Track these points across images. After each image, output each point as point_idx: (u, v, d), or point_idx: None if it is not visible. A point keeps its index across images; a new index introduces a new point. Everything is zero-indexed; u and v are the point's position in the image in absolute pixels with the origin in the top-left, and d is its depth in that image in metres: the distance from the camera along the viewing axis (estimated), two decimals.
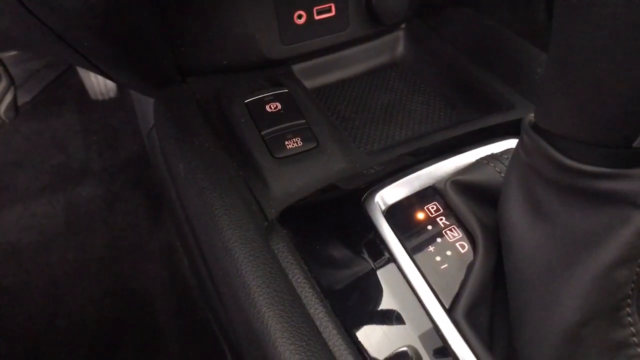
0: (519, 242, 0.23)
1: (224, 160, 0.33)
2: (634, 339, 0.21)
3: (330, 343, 0.27)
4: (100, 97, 0.83)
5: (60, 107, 0.89)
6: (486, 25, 0.46)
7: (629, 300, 0.21)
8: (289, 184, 0.33)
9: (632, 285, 0.20)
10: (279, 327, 0.26)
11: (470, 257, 0.26)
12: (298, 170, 0.33)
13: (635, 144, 0.17)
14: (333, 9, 0.42)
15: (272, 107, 0.36)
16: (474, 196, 0.27)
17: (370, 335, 0.27)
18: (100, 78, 0.84)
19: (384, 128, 0.41)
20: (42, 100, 0.90)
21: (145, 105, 0.50)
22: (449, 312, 0.24)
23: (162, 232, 0.78)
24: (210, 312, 0.49)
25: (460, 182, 0.27)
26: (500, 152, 0.28)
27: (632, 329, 0.21)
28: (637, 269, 0.20)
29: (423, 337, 0.26)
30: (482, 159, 0.28)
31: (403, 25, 0.49)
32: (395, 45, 0.49)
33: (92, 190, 0.85)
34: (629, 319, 0.21)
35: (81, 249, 0.79)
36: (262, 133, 0.35)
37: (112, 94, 0.83)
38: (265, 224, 0.31)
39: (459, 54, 0.45)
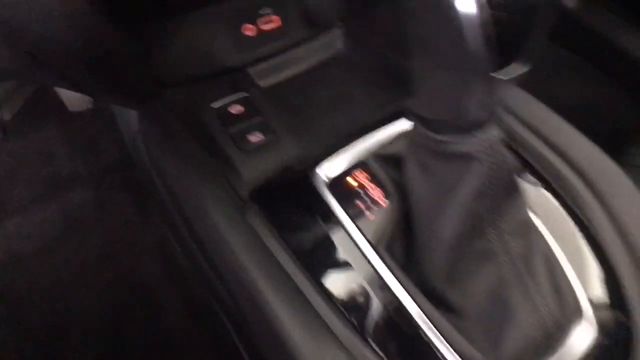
0: (417, 192, 0.32)
1: (203, 158, 0.42)
2: (495, 247, 0.31)
3: (300, 286, 0.36)
4: (78, 109, 0.90)
5: (42, 122, 0.96)
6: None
7: (487, 219, 0.31)
8: (256, 171, 0.42)
9: (485, 206, 0.30)
10: (262, 278, 0.35)
11: (389, 208, 0.35)
12: (262, 159, 0.42)
13: (458, 123, 0.26)
14: (277, 20, 0.50)
15: (235, 110, 0.45)
16: (391, 164, 0.36)
17: (331, 281, 0.36)
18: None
19: (330, 116, 0.50)
20: (24, 116, 0.96)
21: (126, 114, 0.58)
22: (376, 248, 0.34)
23: (154, 226, 0.86)
24: (207, 288, 0.58)
25: (380, 154, 0.37)
26: (408, 128, 0.37)
27: (493, 241, 0.31)
28: (486, 200, 0.29)
29: (367, 277, 0.35)
30: (396, 135, 0.37)
31: (340, 24, 0.57)
32: (335, 42, 0.57)
33: (82, 195, 0.93)
34: (492, 232, 0.31)
35: (81, 249, 0.87)
36: (230, 132, 0.43)
37: (89, 105, 0.90)
38: (241, 204, 0.40)
39: (389, 45, 0.53)
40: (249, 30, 0.49)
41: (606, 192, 0.37)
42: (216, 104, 0.45)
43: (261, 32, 0.49)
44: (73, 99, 0.88)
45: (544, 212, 0.36)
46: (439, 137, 0.29)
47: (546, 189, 0.38)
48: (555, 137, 0.39)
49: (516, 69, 0.24)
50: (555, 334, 0.31)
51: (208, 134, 0.44)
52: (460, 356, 0.31)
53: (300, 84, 0.54)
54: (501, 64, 0.23)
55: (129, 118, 0.57)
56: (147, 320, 0.78)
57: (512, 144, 0.41)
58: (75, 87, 0.44)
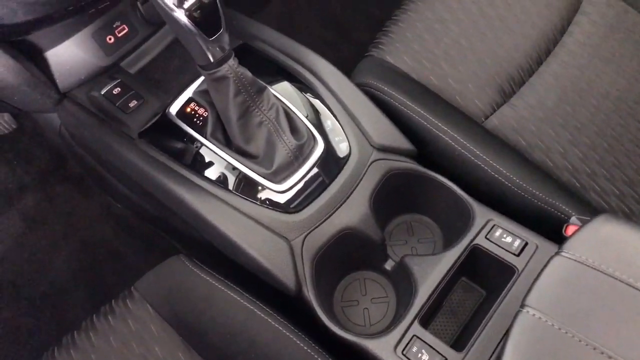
0: (215, 101, 0.62)
1: (104, 123, 0.70)
2: (263, 118, 0.62)
3: (180, 171, 0.65)
4: (6, 132, 1.13)
5: None
6: None
7: (252, 105, 0.61)
8: (137, 121, 0.70)
9: (248, 100, 0.60)
10: (157, 173, 0.64)
11: (209, 115, 0.65)
12: (139, 114, 0.70)
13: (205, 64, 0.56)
14: (126, 27, 0.77)
15: (116, 91, 0.73)
16: (204, 93, 0.66)
17: (192, 163, 0.66)
18: None
19: (179, 77, 0.77)
20: None
21: (48, 119, 0.83)
22: (207, 137, 0.65)
23: (96, 198, 1.13)
24: (135, 201, 0.86)
25: (199, 90, 0.67)
26: None
27: (260, 115, 0.62)
28: (242, 97, 0.60)
29: (212, 156, 0.66)
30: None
31: None
32: None
33: (34, 198, 1.16)
34: (258, 111, 0.62)
35: (46, 235, 1.12)
36: (116, 105, 0.71)
37: (14, 125, 1.13)
38: (133, 141, 0.69)
39: None
40: (110, 39, 0.76)
41: (324, 76, 0.70)
42: (103, 91, 0.73)
43: (118, 39, 0.76)
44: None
45: (288, 93, 0.69)
46: (208, 72, 0.58)
47: (289, 82, 0.70)
48: (292, 52, 0.71)
49: (223, 35, 0.54)
50: (300, 152, 0.63)
51: (104, 109, 0.72)
52: (257, 173, 0.62)
53: (158, 63, 0.81)
54: (212, 34, 0.53)
55: (51, 120, 0.82)
56: (115, 262, 1.07)
57: (273, 60, 0.72)
58: (3, 108, 0.70)
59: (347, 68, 0.82)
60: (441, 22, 0.80)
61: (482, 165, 0.67)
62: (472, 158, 0.68)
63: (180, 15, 0.50)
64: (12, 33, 0.65)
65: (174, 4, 0.50)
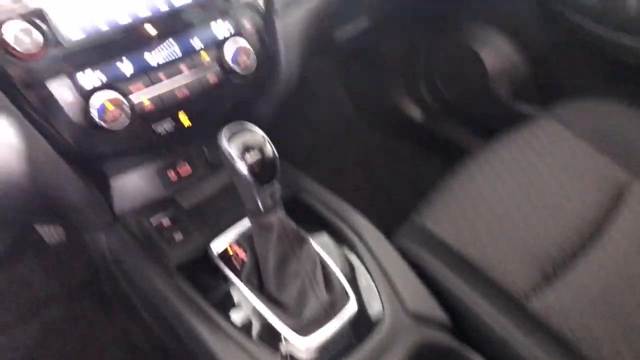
0: (257, 246, 0.64)
1: (148, 253, 0.72)
2: (299, 268, 0.62)
3: (213, 318, 0.65)
4: (55, 242, 1.18)
5: (22, 256, 1.21)
6: None
7: (292, 255, 0.62)
8: (179, 256, 0.72)
9: (288, 249, 0.62)
10: (190, 316, 0.63)
11: (248, 259, 0.66)
12: (182, 249, 0.72)
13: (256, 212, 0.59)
14: (188, 167, 0.84)
15: (166, 223, 0.75)
16: (247, 235, 0.68)
17: (229, 310, 0.66)
18: (52, 228, 1.18)
19: (225, 217, 0.80)
20: (8, 254, 1.21)
21: (96, 239, 0.87)
22: (242, 280, 0.65)
23: (117, 322, 1.11)
24: (159, 338, 0.83)
25: (243, 233, 0.69)
26: None
27: (297, 265, 0.62)
28: (284, 246, 0.61)
29: (244, 303, 0.65)
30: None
31: None
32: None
33: (58, 310, 1.16)
34: (296, 262, 0.63)
35: (60, 351, 1.09)
36: (163, 236, 0.73)
37: (63, 238, 1.18)
38: (172, 275, 0.70)
39: None
40: (172, 175, 0.82)
41: (365, 236, 0.71)
42: (154, 221, 0.76)
43: (179, 176, 0.82)
44: (50, 234, 1.16)
45: (326, 246, 0.69)
46: (256, 219, 0.61)
47: (329, 236, 0.72)
48: (336, 208, 0.74)
49: (275, 186, 0.58)
50: (332, 308, 0.62)
51: (150, 238, 0.75)
52: (284, 323, 0.61)
53: (210, 201, 0.86)
54: (264, 183, 0.57)
55: (97, 239, 0.85)
56: None
57: (317, 213, 0.75)
58: (58, 221, 0.74)
59: (387, 228, 0.84)
60: (483, 196, 0.83)
61: (524, 353, 0.63)
62: (513, 342, 0.64)
63: (242, 167, 0.55)
64: (87, 160, 0.72)
65: (238, 156, 0.55)
